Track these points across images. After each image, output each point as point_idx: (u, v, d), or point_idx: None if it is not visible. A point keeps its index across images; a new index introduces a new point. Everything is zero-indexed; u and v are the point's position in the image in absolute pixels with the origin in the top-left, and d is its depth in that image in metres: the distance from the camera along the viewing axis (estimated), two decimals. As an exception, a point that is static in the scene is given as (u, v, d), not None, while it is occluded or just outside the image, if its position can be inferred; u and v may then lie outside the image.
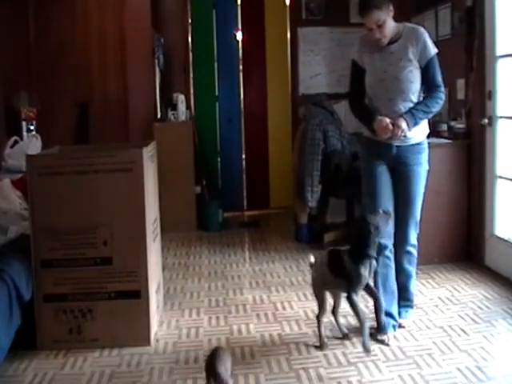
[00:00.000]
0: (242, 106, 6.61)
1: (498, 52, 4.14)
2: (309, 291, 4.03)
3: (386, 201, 3.23)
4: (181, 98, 5.91)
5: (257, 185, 6.72)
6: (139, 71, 5.80)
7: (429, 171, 3.31)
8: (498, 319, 3.42)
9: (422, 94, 3.21)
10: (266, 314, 3.65)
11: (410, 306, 3.48)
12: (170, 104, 5.98)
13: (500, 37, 4.12)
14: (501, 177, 4.23)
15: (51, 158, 3.37)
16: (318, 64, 6.19)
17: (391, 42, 3.16)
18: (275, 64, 6.58)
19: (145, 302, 3.22)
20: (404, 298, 3.42)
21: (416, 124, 3.12)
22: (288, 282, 4.25)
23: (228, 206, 6.26)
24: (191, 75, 6.30)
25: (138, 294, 3.20)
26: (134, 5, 5.76)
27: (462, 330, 3.30)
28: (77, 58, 5.74)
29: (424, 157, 3.26)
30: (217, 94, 6.51)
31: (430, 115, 3.19)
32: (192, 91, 6.31)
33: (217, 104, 6.52)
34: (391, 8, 3.10)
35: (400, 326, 3.35)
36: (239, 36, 6.55)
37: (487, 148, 4.30)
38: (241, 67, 6.56)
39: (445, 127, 4.60)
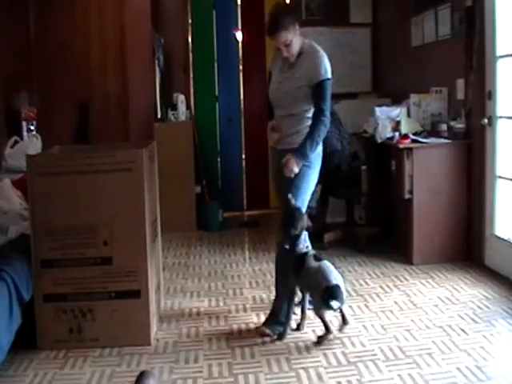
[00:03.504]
0: (242, 105, 6.61)
1: (498, 52, 4.14)
2: (309, 291, 4.04)
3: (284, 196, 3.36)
4: (181, 97, 5.91)
5: (257, 185, 6.72)
6: (139, 71, 5.80)
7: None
8: (498, 319, 3.42)
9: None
10: (265, 314, 3.65)
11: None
12: (170, 104, 5.98)
13: (500, 37, 4.12)
14: (501, 177, 4.23)
15: (51, 157, 3.38)
16: (317, 64, 6.18)
17: (298, 54, 3.35)
18: (275, 64, 6.57)
19: (145, 301, 3.22)
20: None
21: (306, 157, 3.28)
22: (288, 282, 4.25)
23: (228, 206, 6.26)
24: (191, 75, 6.31)
25: (137, 294, 3.20)
26: (134, 5, 5.77)
27: (462, 329, 3.30)
28: (77, 57, 5.75)
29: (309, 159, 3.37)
30: (217, 93, 6.51)
31: (319, 142, 3.33)
32: (192, 91, 6.31)
33: (217, 104, 6.52)
34: (297, 27, 3.29)
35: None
36: (239, 36, 6.55)
37: (487, 148, 4.30)
38: (241, 67, 6.56)
39: (444, 127, 4.59)
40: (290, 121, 3.38)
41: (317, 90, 3.28)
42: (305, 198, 3.39)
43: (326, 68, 3.30)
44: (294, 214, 3.23)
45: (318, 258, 3.25)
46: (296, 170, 3.27)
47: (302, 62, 3.33)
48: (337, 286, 3.12)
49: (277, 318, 3.36)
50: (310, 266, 3.20)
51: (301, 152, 3.27)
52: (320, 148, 3.42)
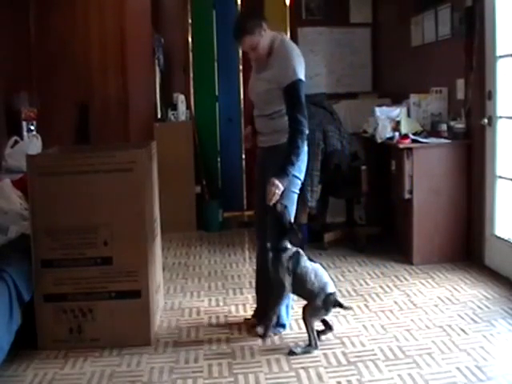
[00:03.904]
0: (242, 105, 6.61)
1: (498, 52, 4.14)
2: (309, 291, 4.03)
3: (262, 200, 3.19)
4: (181, 97, 5.91)
5: (257, 185, 6.71)
6: (139, 71, 5.80)
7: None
8: (498, 319, 3.42)
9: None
10: (265, 314, 3.66)
11: None
12: (170, 104, 5.99)
13: (500, 37, 4.13)
14: (501, 177, 4.23)
15: (51, 158, 3.38)
16: (317, 64, 6.20)
17: (268, 54, 3.19)
18: (275, 64, 6.57)
19: (145, 301, 3.22)
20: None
21: (290, 174, 3.10)
22: (288, 282, 4.25)
23: (228, 206, 6.25)
24: (191, 75, 6.30)
25: (138, 294, 3.20)
26: (134, 5, 5.77)
27: (462, 329, 3.31)
28: (77, 58, 5.75)
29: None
30: (217, 93, 6.50)
31: (300, 153, 3.13)
32: (192, 91, 6.31)
33: (217, 104, 6.52)
34: (264, 27, 3.12)
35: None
36: (239, 36, 6.54)
37: (487, 148, 4.30)
38: (241, 67, 6.56)
39: (444, 127, 4.59)
40: (265, 120, 3.28)
41: (287, 95, 3.08)
42: (292, 199, 3.27)
43: (295, 68, 3.08)
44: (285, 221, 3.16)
45: (310, 259, 3.22)
46: (282, 188, 3.08)
47: (271, 63, 3.16)
48: (335, 293, 3.17)
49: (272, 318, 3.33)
50: (307, 267, 3.15)
51: (283, 172, 3.09)
52: (305, 148, 3.26)
